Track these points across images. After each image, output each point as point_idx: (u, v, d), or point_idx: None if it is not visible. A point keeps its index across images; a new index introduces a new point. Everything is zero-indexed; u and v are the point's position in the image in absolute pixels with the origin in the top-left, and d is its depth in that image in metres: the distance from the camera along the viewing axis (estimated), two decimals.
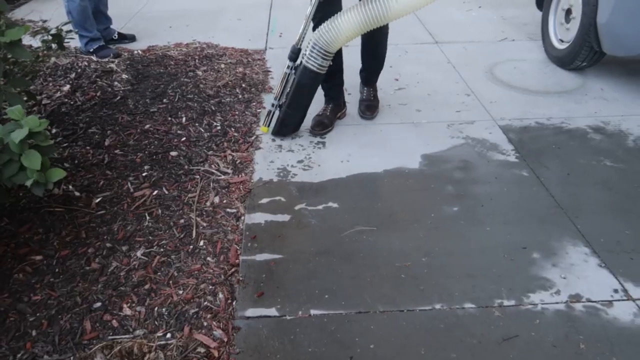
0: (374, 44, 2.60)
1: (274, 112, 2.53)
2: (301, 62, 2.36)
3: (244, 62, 3.46)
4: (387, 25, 2.45)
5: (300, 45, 2.39)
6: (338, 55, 2.51)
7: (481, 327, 1.58)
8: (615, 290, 1.70)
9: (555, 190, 2.19)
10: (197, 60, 3.40)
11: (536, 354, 1.49)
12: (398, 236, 1.95)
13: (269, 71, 3.36)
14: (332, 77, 2.59)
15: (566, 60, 3.22)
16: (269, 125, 2.56)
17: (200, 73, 3.21)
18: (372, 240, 1.93)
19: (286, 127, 2.53)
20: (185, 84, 3.04)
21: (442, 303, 1.66)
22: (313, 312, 1.64)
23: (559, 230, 1.98)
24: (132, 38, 3.91)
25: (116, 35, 3.83)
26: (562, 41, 3.30)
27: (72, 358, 1.47)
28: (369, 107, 2.79)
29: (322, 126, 2.63)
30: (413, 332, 1.57)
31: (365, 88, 2.83)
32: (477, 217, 2.05)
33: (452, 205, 2.11)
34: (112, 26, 3.82)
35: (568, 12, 3.19)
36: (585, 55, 3.06)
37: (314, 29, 2.36)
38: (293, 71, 2.41)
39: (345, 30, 2.20)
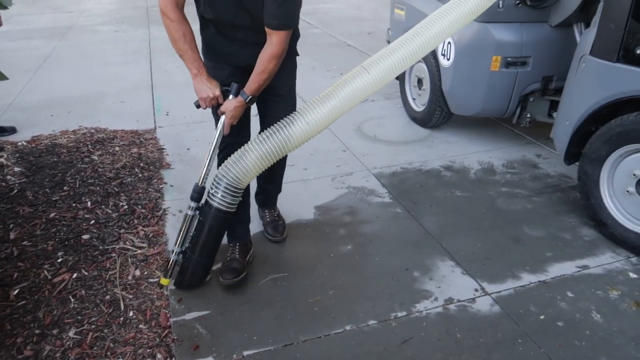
0: (271, 169, 2.16)
1: (175, 261, 2.17)
2: (207, 202, 2.06)
3: (137, 143, 3.66)
4: None
5: (204, 183, 2.10)
6: (245, 189, 2.14)
7: (383, 336, 1.96)
8: (476, 290, 2.21)
9: (423, 220, 2.72)
10: (89, 146, 3.53)
11: (427, 349, 1.90)
12: (306, 277, 2.29)
13: (163, 149, 3.59)
14: (238, 213, 2.17)
15: (424, 120, 3.86)
16: (170, 276, 2.19)
17: (96, 157, 3.34)
18: (285, 284, 2.24)
19: (194, 276, 2.18)
20: (83, 169, 3.16)
21: (351, 324, 2.02)
22: (246, 353, 1.89)
23: (430, 251, 2.47)
24: (12, 130, 3.88)
25: None
26: (416, 102, 4.00)
27: None
28: (277, 228, 2.54)
29: (235, 273, 2.21)
30: (331, 352, 1.89)
31: (266, 211, 2.60)
32: (367, 251, 2.47)
33: (346, 244, 2.52)
34: None
35: (419, 81, 3.89)
36: (438, 115, 3.72)
37: (219, 165, 2.11)
38: (197, 212, 2.09)
39: (253, 162, 1.98)
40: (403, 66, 2.05)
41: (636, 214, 2.41)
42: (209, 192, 2.06)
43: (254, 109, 2.20)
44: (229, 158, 2.03)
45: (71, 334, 1.95)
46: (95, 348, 1.89)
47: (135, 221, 2.67)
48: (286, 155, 2.32)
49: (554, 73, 3.17)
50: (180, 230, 2.13)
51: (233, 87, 2.00)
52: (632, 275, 2.28)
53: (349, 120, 4.06)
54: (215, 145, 2.08)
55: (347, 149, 3.58)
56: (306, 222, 2.72)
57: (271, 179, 2.49)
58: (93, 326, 1.99)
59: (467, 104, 3.43)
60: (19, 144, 3.61)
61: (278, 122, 2.01)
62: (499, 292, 2.19)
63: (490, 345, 1.91)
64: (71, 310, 2.07)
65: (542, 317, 2.05)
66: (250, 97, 1.98)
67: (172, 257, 2.16)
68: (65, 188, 2.95)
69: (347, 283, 2.25)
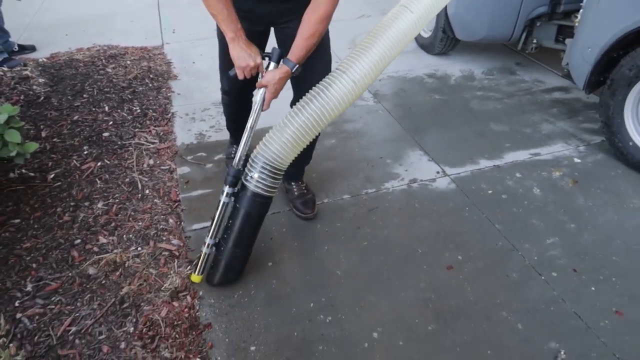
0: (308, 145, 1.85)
1: (208, 255, 1.91)
2: (243, 185, 1.80)
3: (147, 58, 3.97)
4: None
5: (241, 166, 1.85)
6: None
7: (354, 207, 2.37)
8: (438, 172, 2.58)
9: (401, 120, 3.05)
10: (103, 60, 3.85)
11: (389, 214, 2.31)
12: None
13: (170, 62, 3.90)
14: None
15: (430, 47, 3.83)
16: (202, 272, 1.94)
17: (110, 70, 3.68)
18: None
19: (232, 270, 1.93)
20: (99, 80, 3.51)
21: (328, 198, 2.43)
22: None
23: (404, 144, 2.83)
24: (32, 48, 4.20)
25: (16, 47, 4.11)
26: (424, 29, 4.02)
27: (70, 274, 2.02)
28: (307, 203, 2.28)
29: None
30: (312, 217, 2.31)
31: (293, 183, 2.35)
32: (347, 145, 2.84)
33: (330, 139, 2.88)
34: (10, 39, 4.10)
35: None
36: (444, 41, 3.65)
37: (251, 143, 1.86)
38: (232, 199, 1.85)
39: (294, 135, 1.69)
40: None
41: None
42: (245, 173, 1.79)
43: None
44: (266, 136, 1.74)
45: (99, 205, 2.40)
46: (119, 215, 2.34)
47: (148, 122, 3.06)
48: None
49: None
50: (213, 219, 1.88)
51: (274, 52, 1.71)
52: (577, 160, 2.62)
53: (343, 34, 4.28)
54: (252, 125, 1.82)
55: (339, 59, 3.82)
56: None
57: (306, 153, 2.13)
58: (117, 200, 2.43)
59: (472, 28, 3.34)
60: (40, 60, 3.95)
61: (316, 85, 1.69)
62: (458, 173, 2.56)
63: (442, 212, 2.31)
64: (98, 189, 2.51)
65: (490, 192, 2.42)
66: (297, 65, 1.69)
67: (204, 249, 1.90)
68: (85, 95, 3.32)
69: (328, 169, 2.63)
